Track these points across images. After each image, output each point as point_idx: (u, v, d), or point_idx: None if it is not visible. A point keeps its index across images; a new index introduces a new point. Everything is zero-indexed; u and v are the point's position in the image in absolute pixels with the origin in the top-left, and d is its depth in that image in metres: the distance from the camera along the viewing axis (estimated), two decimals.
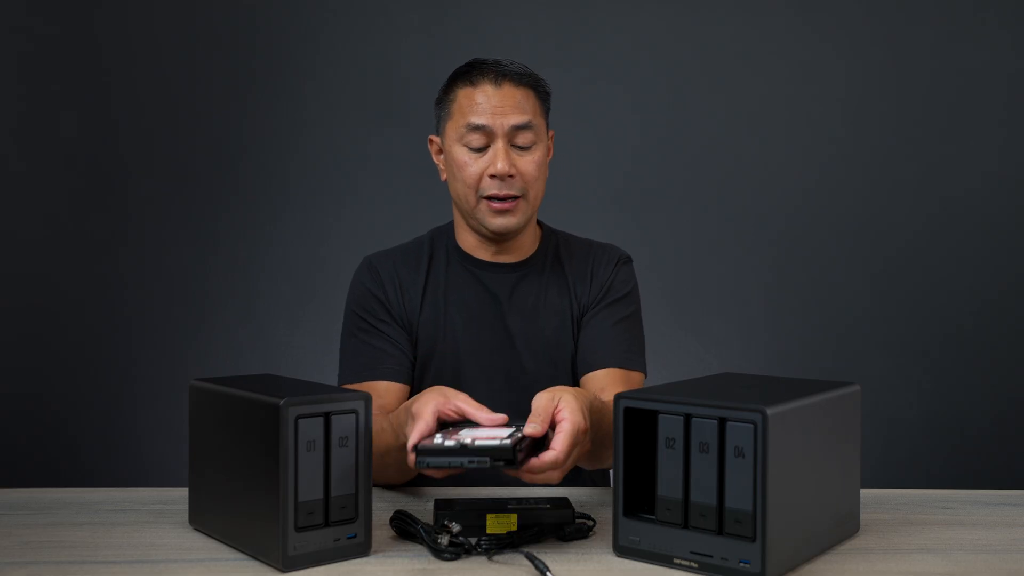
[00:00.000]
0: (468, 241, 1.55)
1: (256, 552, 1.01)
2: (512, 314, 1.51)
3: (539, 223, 1.61)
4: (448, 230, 1.58)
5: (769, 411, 0.91)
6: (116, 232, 2.68)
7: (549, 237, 1.60)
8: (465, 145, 1.45)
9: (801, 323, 2.71)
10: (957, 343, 2.68)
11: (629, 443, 1.00)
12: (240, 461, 1.02)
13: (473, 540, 1.01)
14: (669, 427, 0.97)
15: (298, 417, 0.95)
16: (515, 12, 2.71)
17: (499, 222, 1.47)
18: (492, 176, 1.44)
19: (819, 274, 2.71)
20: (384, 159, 2.67)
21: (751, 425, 0.91)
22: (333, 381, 1.58)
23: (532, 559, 0.96)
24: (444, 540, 1.01)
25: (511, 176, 1.44)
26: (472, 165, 1.45)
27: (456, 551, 1.00)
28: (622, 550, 1.01)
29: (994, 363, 2.67)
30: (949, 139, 2.69)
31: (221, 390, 1.06)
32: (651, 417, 0.98)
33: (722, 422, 0.93)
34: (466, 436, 1.02)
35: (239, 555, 1.03)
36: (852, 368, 2.65)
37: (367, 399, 1.01)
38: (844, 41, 2.70)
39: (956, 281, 2.68)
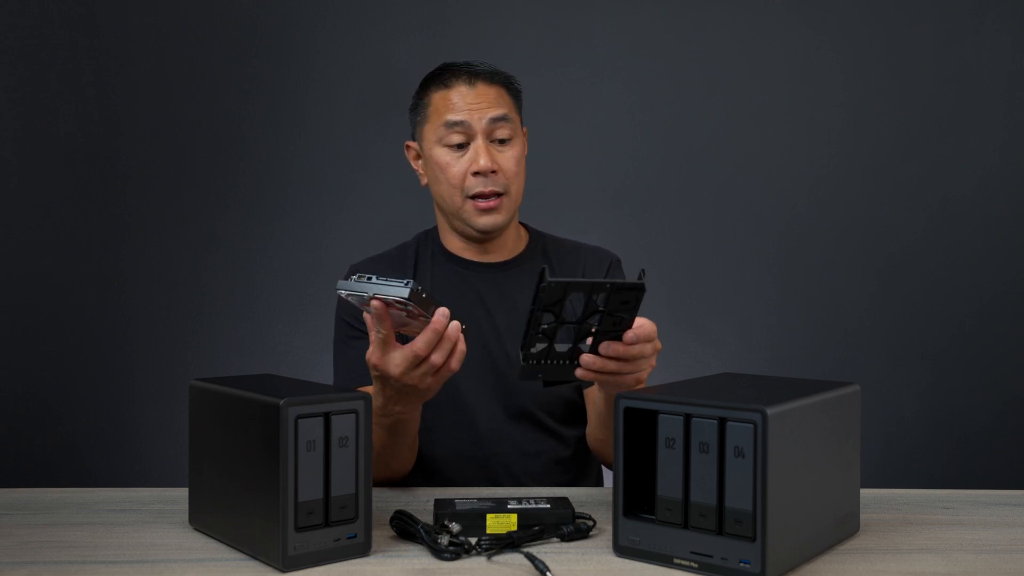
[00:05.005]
0: (453, 243, 1.56)
1: (256, 552, 1.01)
2: (500, 312, 1.51)
3: (525, 225, 1.62)
4: (433, 234, 1.60)
5: (769, 411, 0.91)
6: (116, 232, 2.68)
7: (537, 239, 1.61)
8: (445, 145, 1.47)
9: (801, 323, 2.71)
10: (957, 343, 2.68)
11: (629, 443, 1.01)
12: (240, 461, 1.02)
13: (473, 540, 1.01)
14: (669, 427, 0.97)
15: (298, 417, 0.96)
16: (515, 13, 2.71)
17: (485, 220, 1.48)
18: (476, 173, 1.45)
19: (819, 274, 2.71)
20: (384, 159, 2.66)
21: (751, 425, 0.91)
22: (332, 381, 1.58)
23: (532, 559, 0.96)
24: (444, 540, 1.01)
25: (494, 172, 1.45)
26: (454, 165, 1.47)
27: (456, 551, 1.00)
28: (622, 550, 1.01)
29: (994, 363, 2.67)
30: (949, 139, 2.69)
31: (221, 390, 1.06)
32: (651, 417, 0.98)
33: (722, 422, 0.93)
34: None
35: (239, 555, 1.03)
36: (852, 368, 2.65)
37: (367, 399, 1.01)
38: (844, 41, 2.70)
39: (956, 281, 2.68)
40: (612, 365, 1.12)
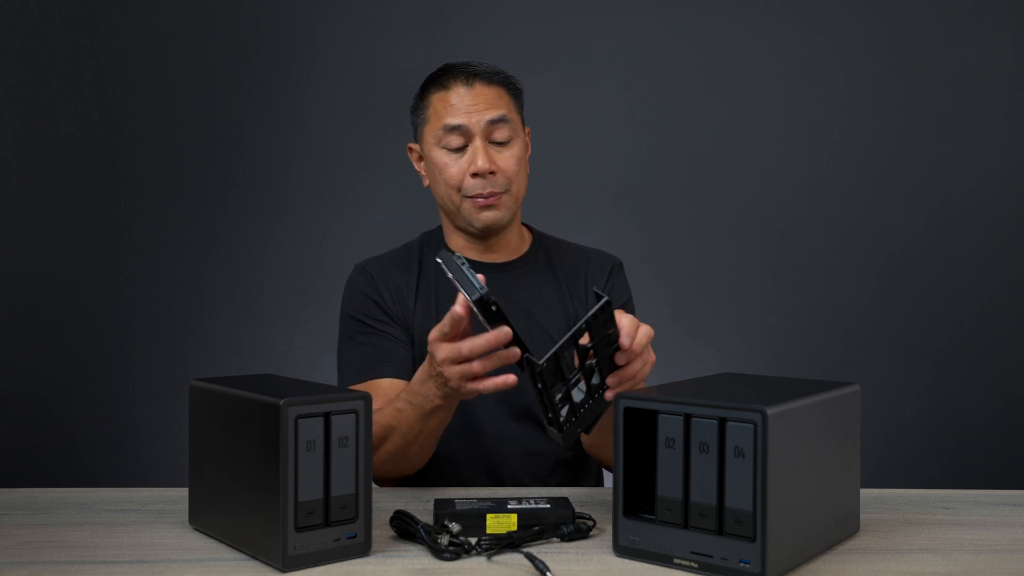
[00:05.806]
0: (457, 243, 1.56)
1: (256, 552, 1.01)
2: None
3: (528, 227, 1.63)
4: (437, 234, 1.60)
5: (769, 411, 0.91)
6: (116, 232, 2.68)
7: (539, 240, 1.62)
8: (444, 147, 1.47)
9: (801, 323, 2.71)
10: (957, 343, 2.68)
11: (629, 443, 1.01)
12: (240, 461, 1.02)
13: (473, 540, 1.01)
14: (669, 427, 0.97)
15: (298, 417, 0.96)
16: (515, 13, 2.71)
17: (485, 216, 1.48)
18: (474, 175, 1.46)
19: (819, 274, 2.71)
20: (384, 159, 2.67)
21: (751, 425, 0.91)
22: (332, 381, 1.58)
23: (532, 559, 0.96)
24: (444, 540, 1.01)
25: (492, 173, 1.46)
26: (453, 166, 1.47)
27: (456, 551, 1.00)
28: (622, 550, 1.01)
29: (994, 363, 2.67)
30: (949, 139, 2.69)
31: (221, 390, 1.06)
32: (651, 417, 0.98)
33: (722, 422, 0.93)
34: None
35: (239, 555, 1.03)
36: (852, 368, 2.65)
37: (367, 399, 1.01)
38: (844, 41, 2.70)
39: (956, 281, 2.68)
40: (633, 368, 1.13)
